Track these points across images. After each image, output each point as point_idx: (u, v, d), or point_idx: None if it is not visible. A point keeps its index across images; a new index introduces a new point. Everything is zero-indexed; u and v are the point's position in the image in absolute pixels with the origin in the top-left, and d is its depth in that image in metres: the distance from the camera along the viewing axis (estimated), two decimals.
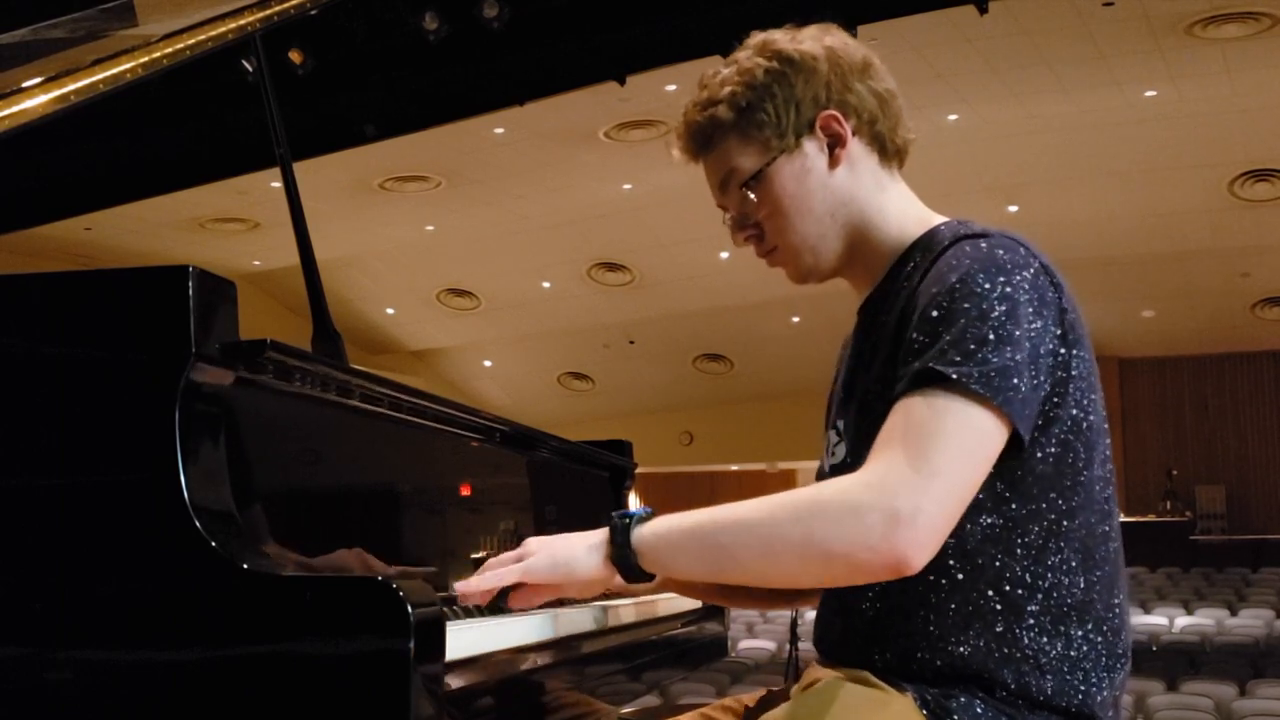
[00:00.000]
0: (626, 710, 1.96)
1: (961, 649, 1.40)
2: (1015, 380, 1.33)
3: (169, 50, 1.81)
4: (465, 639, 1.27)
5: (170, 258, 13.94)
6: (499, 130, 11.86)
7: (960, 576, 1.39)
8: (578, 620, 1.60)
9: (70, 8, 2.41)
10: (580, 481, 2.46)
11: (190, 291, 1.20)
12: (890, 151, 1.57)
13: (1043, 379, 1.37)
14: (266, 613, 1.13)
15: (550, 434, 2.19)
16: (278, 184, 2.07)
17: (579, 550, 1.44)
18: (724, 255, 15.02)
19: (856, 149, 1.54)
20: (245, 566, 1.14)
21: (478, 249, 15.97)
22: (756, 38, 1.57)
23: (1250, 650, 9.23)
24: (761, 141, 1.53)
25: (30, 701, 1.17)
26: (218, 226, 14.53)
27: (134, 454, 1.20)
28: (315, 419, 1.52)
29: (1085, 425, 1.43)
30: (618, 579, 1.44)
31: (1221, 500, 17.17)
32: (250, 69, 2.07)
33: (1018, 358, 1.34)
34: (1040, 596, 1.40)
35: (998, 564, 1.40)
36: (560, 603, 1.60)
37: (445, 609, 1.25)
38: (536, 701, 1.56)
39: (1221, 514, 17.06)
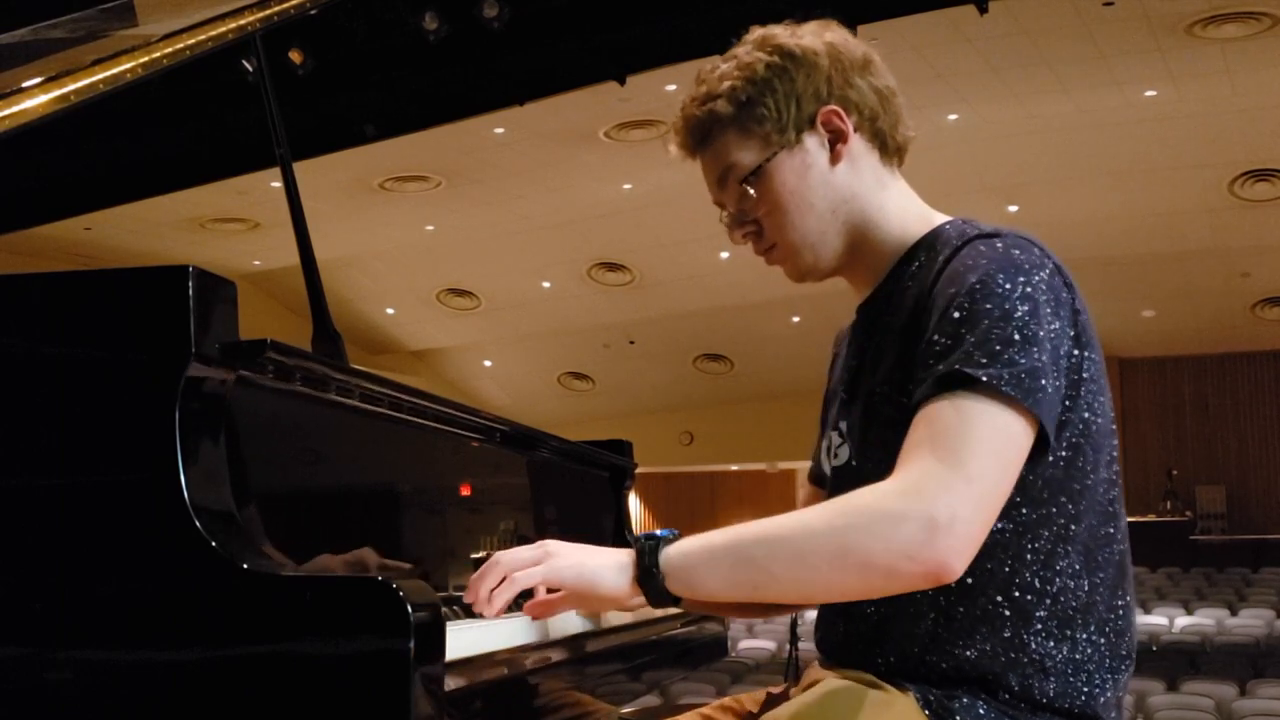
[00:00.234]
0: (626, 710, 1.96)
1: (968, 653, 1.39)
2: (1043, 381, 1.31)
3: (169, 50, 1.80)
4: (465, 639, 1.27)
5: (170, 258, 13.94)
6: (499, 130, 11.86)
7: (970, 581, 1.37)
8: (577, 620, 1.60)
9: (70, 8, 2.40)
10: (580, 481, 2.45)
11: (190, 291, 1.20)
12: (891, 149, 1.55)
13: (1062, 381, 1.36)
14: (266, 613, 1.13)
15: (550, 434, 2.19)
16: (278, 184, 2.07)
17: (608, 568, 1.40)
18: (724, 255, 15.02)
19: (857, 145, 1.52)
20: (245, 566, 1.14)
21: (478, 249, 15.97)
22: (756, 33, 1.55)
23: (1250, 650, 9.23)
24: (762, 136, 1.51)
25: (30, 701, 1.17)
26: (218, 226, 14.53)
27: (134, 454, 1.20)
28: (315, 419, 1.52)
29: (1094, 428, 1.42)
30: (637, 600, 1.40)
31: (1222, 500, 17.17)
32: (250, 69, 2.07)
33: (1043, 359, 1.32)
34: (1048, 601, 1.39)
35: (1007, 570, 1.38)
36: None
37: (445, 609, 1.25)
38: (536, 701, 1.56)
39: (1222, 514, 17.07)
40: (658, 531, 1.42)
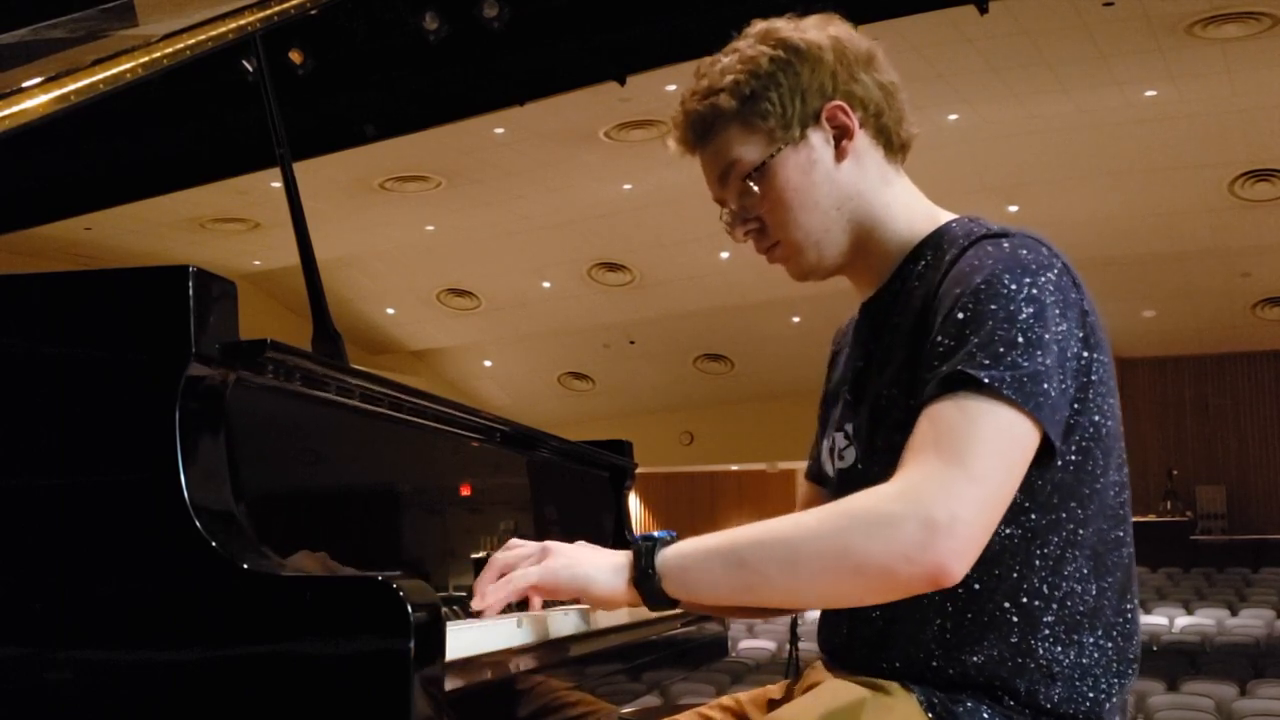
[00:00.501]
0: (626, 710, 1.96)
1: (975, 659, 1.37)
2: (1045, 385, 1.29)
3: (169, 50, 1.80)
4: (465, 639, 1.27)
5: (170, 258, 13.95)
6: (499, 130, 11.87)
7: (977, 587, 1.36)
8: (577, 620, 1.60)
9: (70, 8, 2.40)
10: (580, 481, 2.45)
11: (190, 291, 1.20)
12: (895, 145, 1.53)
13: (1069, 384, 1.34)
14: (266, 613, 1.13)
15: (550, 434, 2.19)
16: (278, 184, 2.07)
17: (604, 569, 1.38)
18: (724, 255, 15.03)
19: (862, 142, 1.50)
20: (245, 566, 1.14)
21: (478, 249, 15.98)
22: (758, 26, 1.52)
23: (1251, 650, 9.23)
24: (765, 132, 1.48)
25: (30, 701, 1.17)
26: (218, 226, 14.54)
27: (134, 454, 1.19)
28: (315, 419, 1.52)
29: (1104, 431, 1.39)
30: (634, 600, 1.38)
31: (1222, 500, 17.18)
32: (250, 69, 2.06)
33: (1047, 362, 1.30)
34: (1055, 607, 1.37)
35: (1015, 575, 1.36)
36: (564, 603, 1.60)
37: (445, 609, 1.25)
38: (536, 701, 1.56)
39: (1222, 514, 17.07)
40: (656, 533, 1.41)
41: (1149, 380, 17.70)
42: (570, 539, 1.49)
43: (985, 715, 1.36)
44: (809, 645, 7.79)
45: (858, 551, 1.26)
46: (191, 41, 1.85)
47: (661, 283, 16.71)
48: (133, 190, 11.29)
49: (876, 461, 1.44)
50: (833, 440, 1.57)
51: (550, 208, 14.60)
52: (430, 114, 10.30)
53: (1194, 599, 12.16)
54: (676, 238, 15.02)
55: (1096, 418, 1.38)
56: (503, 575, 1.41)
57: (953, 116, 11.76)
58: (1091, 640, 1.38)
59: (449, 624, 1.18)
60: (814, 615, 1.60)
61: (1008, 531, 1.35)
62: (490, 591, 1.39)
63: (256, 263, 15.38)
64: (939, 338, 1.34)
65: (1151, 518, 15.81)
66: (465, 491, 1.95)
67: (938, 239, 1.48)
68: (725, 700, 1.66)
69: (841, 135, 1.49)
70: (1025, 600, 1.37)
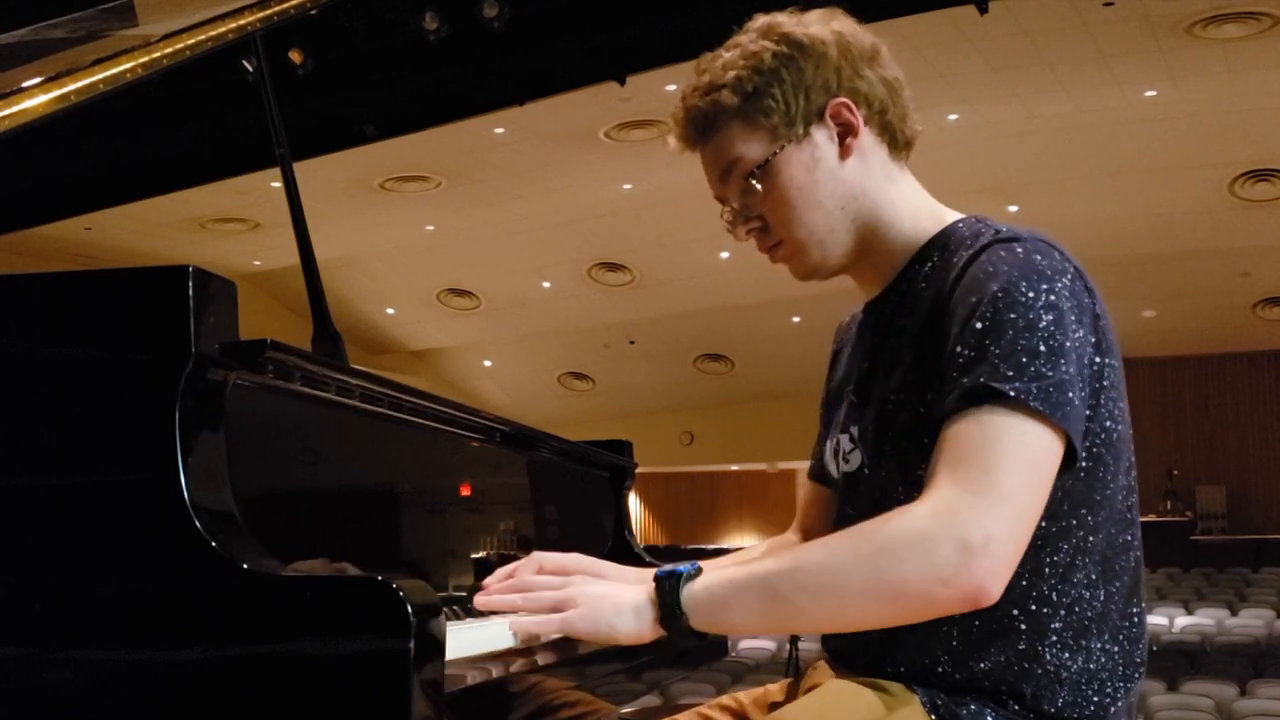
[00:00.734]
0: (626, 710, 1.96)
1: (982, 664, 1.36)
2: (1070, 394, 1.27)
3: (169, 50, 1.80)
4: (465, 639, 1.27)
5: (170, 258, 13.95)
6: (499, 130, 11.87)
7: None
8: None
9: (70, 8, 2.40)
10: (580, 481, 2.45)
11: (190, 291, 1.20)
12: (900, 142, 1.50)
13: (1086, 391, 1.32)
14: (266, 613, 1.13)
15: (550, 434, 2.19)
16: (278, 184, 2.07)
17: (626, 614, 1.34)
18: (725, 255, 15.03)
19: (867, 139, 1.47)
20: (245, 566, 1.14)
21: (478, 249, 15.98)
22: (759, 20, 1.49)
23: (1251, 650, 9.22)
24: (768, 129, 1.45)
25: (30, 701, 1.17)
26: (218, 226, 14.54)
27: (134, 454, 1.19)
28: (315, 419, 1.52)
29: (1115, 436, 1.38)
30: (658, 634, 1.35)
31: (1222, 500, 17.18)
32: (250, 69, 2.06)
33: (1070, 370, 1.28)
34: (1063, 613, 1.36)
35: (1024, 583, 1.34)
36: None
37: (445, 609, 1.25)
38: (536, 701, 1.56)
39: (1222, 514, 17.07)
40: (678, 567, 1.36)
41: (1149, 380, 17.69)
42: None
43: (989, 718, 1.35)
44: (809, 645, 7.79)
45: (893, 577, 1.24)
46: (191, 41, 1.85)
47: (661, 283, 16.72)
48: (133, 190, 11.30)
49: (883, 465, 1.43)
50: (837, 442, 1.56)
51: (550, 208, 14.60)
52: (430, 114, 10.30)
53: (1194, 599, 12.15)
54: (676, 238, 15.03)
55: (1108, 423, 1.37)
56: (518, 591, 1.41)
57: (953, 116, 11.77)
58: (1099, 645, 1.37)
59: (449, 624, 1.18)
60: None
61: None
62: (498, 601, 1.39)
63: (256, 263, 15.39)
64: (958, 348, 1.31)
65: (1152, 518, 15.80)
66: (465, 491, 1.95)
67: (944, 239, 1.46)
68: (725, 700, 1.65)
69: (846, 132, 1.46)
70: (1034, 607, 1.35)
